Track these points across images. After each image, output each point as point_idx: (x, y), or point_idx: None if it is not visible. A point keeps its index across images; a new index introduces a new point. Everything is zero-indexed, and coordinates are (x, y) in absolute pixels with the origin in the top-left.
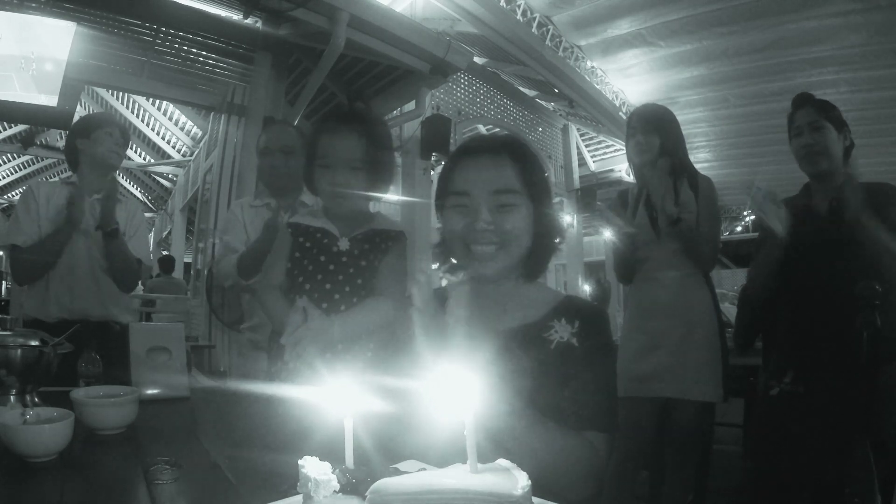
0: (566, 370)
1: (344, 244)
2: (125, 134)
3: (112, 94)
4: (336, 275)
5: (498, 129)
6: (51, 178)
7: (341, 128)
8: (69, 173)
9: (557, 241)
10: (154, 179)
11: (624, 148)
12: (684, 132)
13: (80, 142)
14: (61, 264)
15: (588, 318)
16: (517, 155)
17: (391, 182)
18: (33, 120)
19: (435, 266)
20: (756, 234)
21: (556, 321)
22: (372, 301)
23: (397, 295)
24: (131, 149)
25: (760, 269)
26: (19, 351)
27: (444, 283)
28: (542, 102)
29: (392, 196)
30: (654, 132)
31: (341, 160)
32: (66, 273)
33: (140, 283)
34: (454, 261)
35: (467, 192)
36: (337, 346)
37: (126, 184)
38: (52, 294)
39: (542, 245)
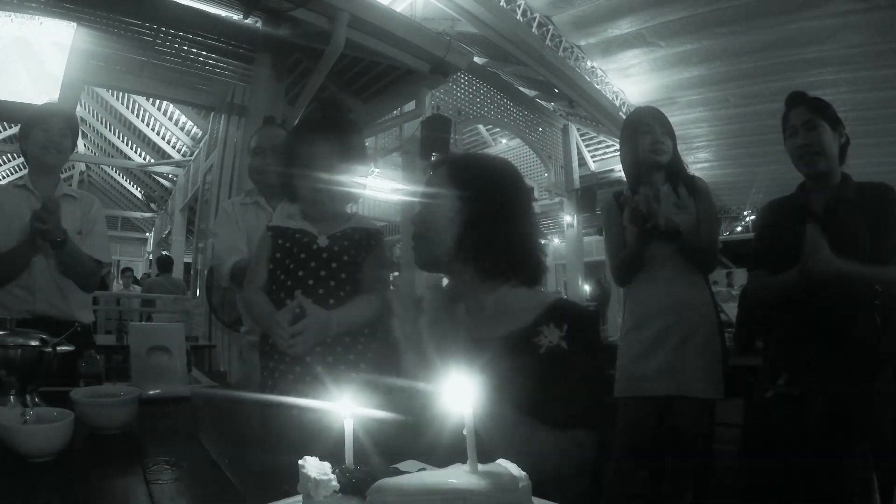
0: (555, 373)
1: (323, 241)
2: (70, 123)
3: (112, 94)
4: (318, 271)
5: (498, 130)
6: None
7: (318, 136)
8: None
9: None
10: (154, 179)
11: None
12: (684, 132)
13: (22, 142)
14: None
15: (577, 321)
16: (454, 162)
17: (365, 182)
18: None
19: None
20: (755, 233)
21: (545, 326)
22: (363, 296)
23: (383, 291)
24: (131, 149)
25: (768, 293)
26: (19, 351)
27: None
28: (542, 102)
29: (392, 196)
30: (668, 135)
31: (320, 167)
32: (25, 275)
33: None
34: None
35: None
36: (337, 347)
37: (126, 184)
38: (14, 296)
39: (474, 242)
